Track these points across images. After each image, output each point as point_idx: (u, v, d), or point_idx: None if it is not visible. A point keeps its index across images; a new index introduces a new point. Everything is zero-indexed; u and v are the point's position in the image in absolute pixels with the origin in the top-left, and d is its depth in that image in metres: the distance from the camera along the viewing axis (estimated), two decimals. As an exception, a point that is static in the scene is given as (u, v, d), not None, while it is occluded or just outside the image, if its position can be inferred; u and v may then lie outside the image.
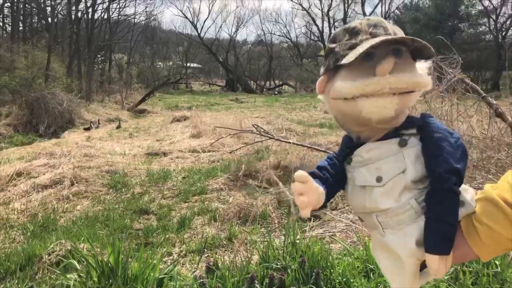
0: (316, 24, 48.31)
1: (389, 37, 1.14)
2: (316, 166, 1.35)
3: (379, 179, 1.22)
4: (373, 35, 1.18)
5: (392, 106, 1.16)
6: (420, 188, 1.21)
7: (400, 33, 1.18)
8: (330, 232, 4.35)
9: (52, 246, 3.70)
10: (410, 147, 1.19)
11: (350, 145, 1.30)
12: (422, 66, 1.23)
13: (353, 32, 1.21)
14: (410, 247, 1.23)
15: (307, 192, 1.24)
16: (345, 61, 1.19)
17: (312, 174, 1.30)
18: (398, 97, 1.16)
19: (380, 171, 1.22)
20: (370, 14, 43.16)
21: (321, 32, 48.29)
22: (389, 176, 1.20)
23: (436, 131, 1.18)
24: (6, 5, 25.43)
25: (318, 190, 1.25)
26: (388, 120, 1.21)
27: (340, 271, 2.80)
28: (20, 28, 26.05)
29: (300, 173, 1.24)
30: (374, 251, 1.37)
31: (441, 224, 1.16)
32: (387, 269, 1.35)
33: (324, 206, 1.32)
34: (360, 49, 1.16)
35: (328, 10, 46.76)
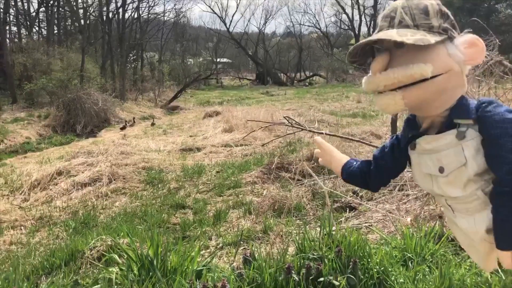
0: (346, 13, 47.69)
1: (363, 40, 1.20)
2: (373, 155, 1.50)
3: (441, 170, 1.24)
4: (380, 29, 1.22)
5: (396, 102, 1.17)
6: (486, 178, 1.20)
7: (410, 19, 1.18)
8: (367, 222, 4.30)
9: (93, 241, 3.81)
10: (469, 139, 1.17)
11: (412, 131, 1.33)
12: (459, 41, 1.20)
13: (377, 24, 1.27)
14: (481, 234, 1.25)
15: (321, 154, 1.66)
16: (347, 61, 1.31)
17: (349, 163, 1.57)
18: (401, 92, 1.16)
19: (441, 162, 1.23)
20: None
21: (351, 21, 47.62)
22: (451, 168, 1.21)
23: (494, 126, 1.13)
24: (41, 10, 26.19)
25: (332, 154, 1.62)
26: (412, 111, 1.25)
27: (377, 260, 2.77)
28: (55, 31, 26.81)
29: (315, 139, 1.67)
30: (449, 225, 1.46)
31: (508, 224, 1.15)
32: (462, 243, 1.42)
33: (346, 181, 1.60)
34: (348, 54, 1.27)
35: (358, -2, 45.99)
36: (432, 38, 1.13)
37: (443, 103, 1.19)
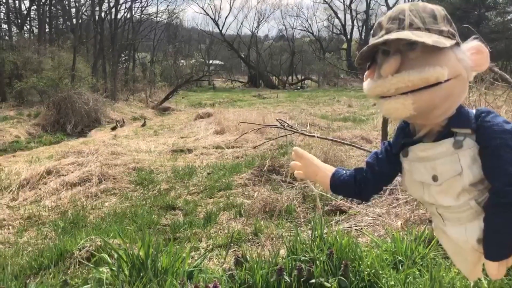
0: (338, 17, 47.98)
1: (378, 40, 1.14)
2: (365, 161, 1.45)
3: (435, 178, 1.22)
4: (388, 31, 1.16)
5: (405, 107, 1.12)
6: (480, 188, 1.18)
7: (420, 22, 1.14)
8: (357, 225, 4.31)
9: (82, 242, 3.79)
10: (466, 149, 1.16)
11: (405, 139, 1.30)
12: (466, 48, 1.19)
13: (379, 27, 1.21)
14: (472, 244, 1.24)
15: (302, 167, 1.52)
16: (356, 64, 1.26)
17: (338, 172, 1.48)
18: (412, 96, 1.11)
19: (435, 171, 1.21)
20: (393, 6, 42.53)
21: (343, 25, 47.88)
22: (445, 177, 1.19)
23: (494, 137, 1.12)
24: (32, 8, 26.00)
25: (318, 165, 1.50)
26: (414, 117, 1.19)
27: (368, 263, 2.79)
28: (47, 30, 26.61)
29: (295, 149, 1.54)
30: (436, 233, 1.43)
31: (501, 235, 1.15)
32: (449, 251, 1.40)
33: (335, 191, 1.51)
34: (359, 54, 1.20)
35: (350, 3, 46.37)
36: (446, 42, 1.11)
37: (447, 109, 1.17)
